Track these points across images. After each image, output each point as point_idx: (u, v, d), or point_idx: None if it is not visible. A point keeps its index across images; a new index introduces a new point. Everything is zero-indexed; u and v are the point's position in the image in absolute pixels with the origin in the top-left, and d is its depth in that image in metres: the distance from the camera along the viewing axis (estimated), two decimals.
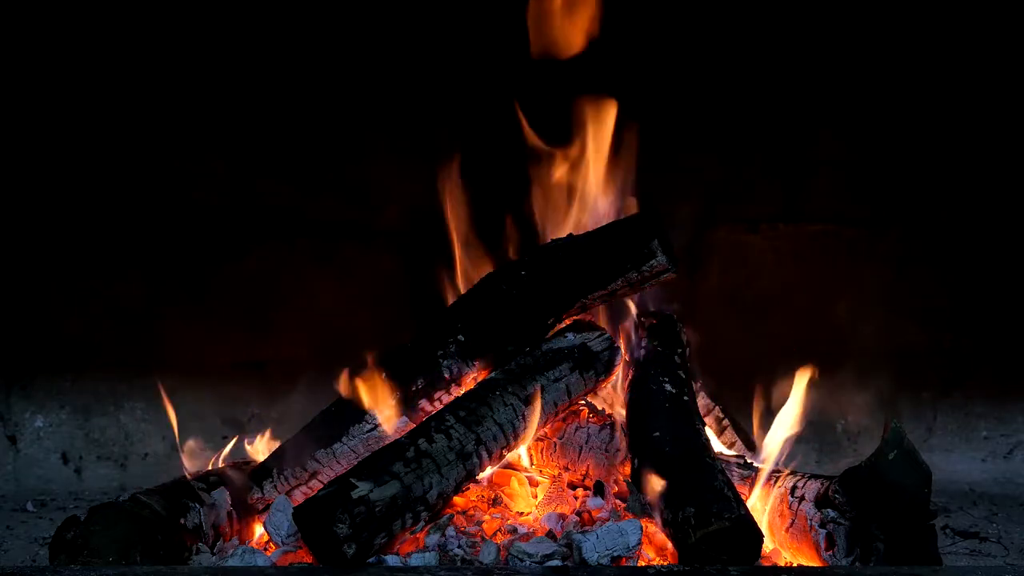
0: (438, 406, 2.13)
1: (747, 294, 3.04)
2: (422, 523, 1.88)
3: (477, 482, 2.07)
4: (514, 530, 1.99)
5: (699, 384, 2.35)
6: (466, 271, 2.40)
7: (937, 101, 2.98)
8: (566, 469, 2.22)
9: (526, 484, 2.18)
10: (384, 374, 2.15)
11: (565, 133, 2.42)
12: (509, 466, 2.22)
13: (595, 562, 1.80)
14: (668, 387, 2.12)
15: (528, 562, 1.82)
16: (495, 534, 1.97)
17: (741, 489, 1.95)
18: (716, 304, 3.02)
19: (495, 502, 2.11)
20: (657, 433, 1.99)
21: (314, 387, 2.61)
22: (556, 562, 1.82)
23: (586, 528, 1.95)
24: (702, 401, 2.33)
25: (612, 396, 2.31)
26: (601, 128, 2.37)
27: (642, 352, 2.25)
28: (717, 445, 2.31)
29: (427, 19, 2.91)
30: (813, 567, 1.86)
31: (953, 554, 2.29)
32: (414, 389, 2.15)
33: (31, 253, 2.99)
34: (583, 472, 2.19)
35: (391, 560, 1.82)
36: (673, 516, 1.81)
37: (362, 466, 1.88)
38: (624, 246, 2.13)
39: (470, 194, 2.52)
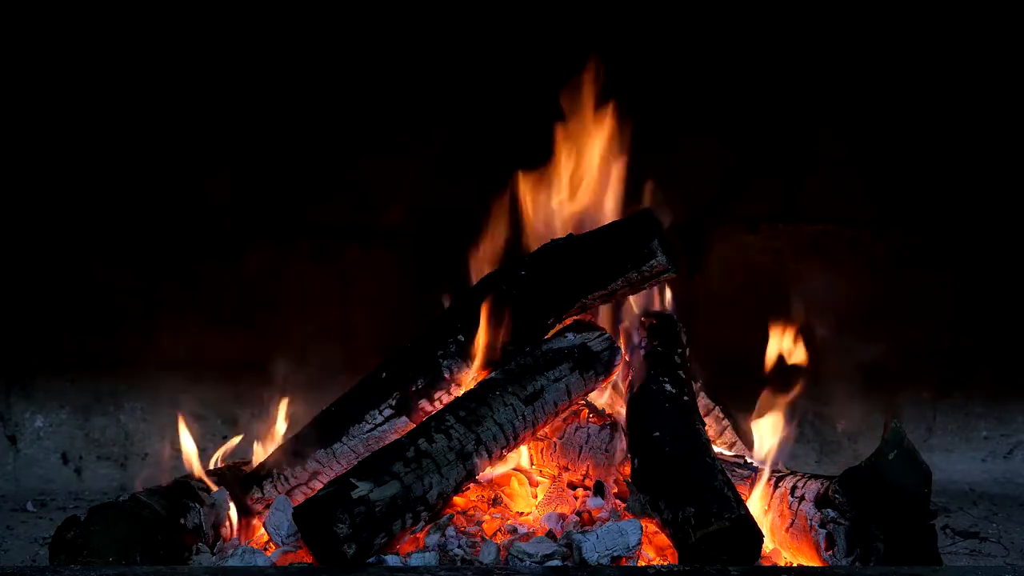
0: (438, 406, 2.13)
1: (747, 294, 3.04)
2: (422, 523, 1.88)
3: (477, 482, 2.07)
4: (514, 530, 1.99)
5: (699, 384, 2.35)
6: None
7: (937, 101, 2.98)
8: (566, 469, 2.21)
9: (526, 484, 2.18)
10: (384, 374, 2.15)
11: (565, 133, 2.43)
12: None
13: (595, 562, 1.80)
14: (668, 387, 2.12)
15: (528, 562, 1.82)
16: (495, 534, 1.97)
17: (741, 489, 1.95)
18: (716, 304, 3.02)
19: (495, 502, 2.11)
20: (657, 433, 1.99)
21: (314, 387, 2.60)
22: (556, 562, 1.82)
23: (586, 528, 1.95)
24: (702, 401, 2.32)
25: (612, 396, 2.31)
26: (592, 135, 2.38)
27: (642, 352, 2.25)
28: (717, 445, 2.32)
29: (427, 19, 2.91)
30: (813, 567, 1.86)
31: (953, 554, 2.29)
32: (414, 389, 2.15)
33: (31, 253, 2.99)
34: (583, 472, 2.19)
35: (391, 560, 1.82)
36: (673, 516, 1.81)
37: (362, 466, 1.88)
38: (624, 246, 2.13)
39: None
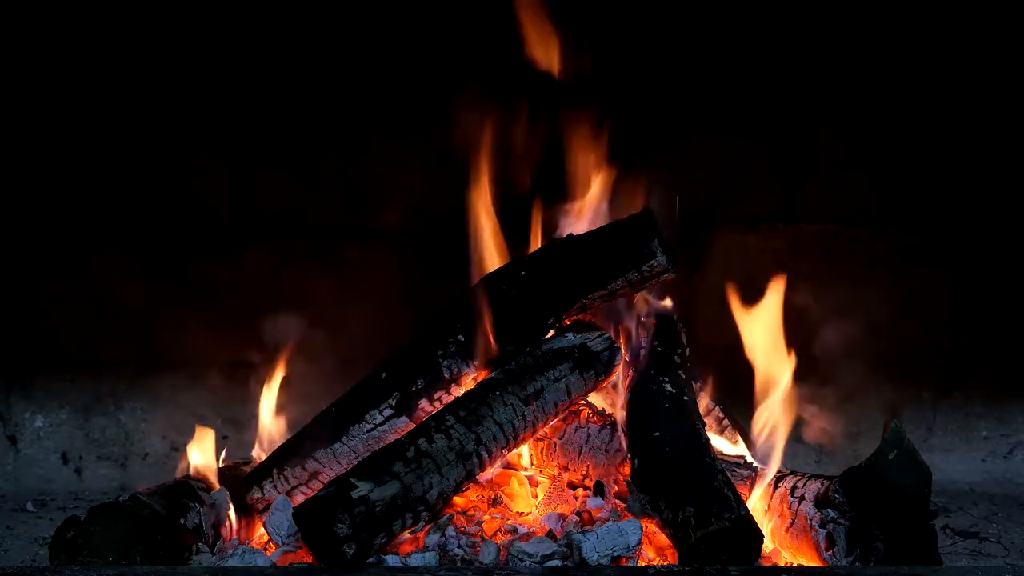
0: (438, 406, 2.13)
1: (747, 294, 3.03)
2: (422, 523, 1.88)
3: (477, 482, 2.07)
4: (514, 530, 1.99)
5: (699, 384, 2.35)
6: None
7: (937, 101, 2.97)
8: (566, 469, 2.22)
9: (526, 484, 2.18)
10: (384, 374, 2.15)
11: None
12: (509, 466, 2.23)
13: (595, 562, 1.80)
14: (668, 387, 2.12)
15: (528, 562, 1.82)
16: (495, 534, 1.98)
17: (741, 489, 1.96)
18: (716, 304, 3.01)
19: (495, 502, 2.11)
20: (657, 433, 1.99)
21: (314, 387, 2.60)
22: (556, 562, 1.82)
23: (586, 528, 1.95)
24: (702, 401, 2.32)
25: (612, 396, 2.31)
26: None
27: (642, 352, 2.25)
28: (717, 445, 2.32)
29: (427, 19, 2.91)
30: (813, 567, 1.86)
31: (953, 554, 2.29)
32: (414, 389, 2.15)
33: (31, 253, 2.98)
34: (583, 472, 2.19)
35: (391, 560, 1.82)
36: (673, 516, 1.81)
37: (362, 466, 1.88)
38: (624, 246, 2.13)
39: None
